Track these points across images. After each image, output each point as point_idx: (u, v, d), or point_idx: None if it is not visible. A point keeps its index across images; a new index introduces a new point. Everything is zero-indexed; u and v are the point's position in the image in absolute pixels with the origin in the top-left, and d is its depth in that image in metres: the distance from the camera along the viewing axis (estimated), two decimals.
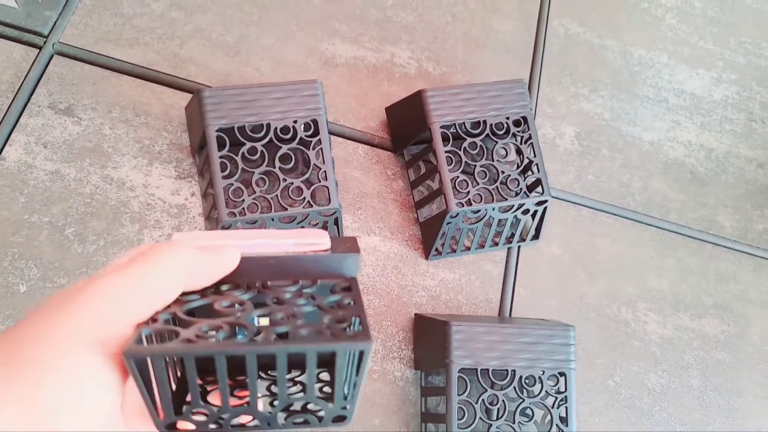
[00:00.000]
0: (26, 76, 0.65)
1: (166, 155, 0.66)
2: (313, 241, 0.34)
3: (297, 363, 0.35)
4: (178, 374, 0.32)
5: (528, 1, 0.83)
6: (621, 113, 0.81)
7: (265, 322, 0.29)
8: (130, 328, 0.26)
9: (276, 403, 0.30)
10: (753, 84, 0.86)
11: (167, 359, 0.28)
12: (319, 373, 0.33)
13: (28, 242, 0.61)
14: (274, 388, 0.33)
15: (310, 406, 0.29)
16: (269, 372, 0.35)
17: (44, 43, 0.67)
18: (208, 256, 0.30)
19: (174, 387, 0.30)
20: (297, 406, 0.29)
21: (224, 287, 0.32)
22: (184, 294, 0.30)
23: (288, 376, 0.35)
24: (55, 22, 0.68)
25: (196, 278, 0.30)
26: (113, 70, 0.68)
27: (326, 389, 0.32)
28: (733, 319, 0.75)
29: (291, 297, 0.31)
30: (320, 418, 0.29)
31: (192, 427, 0.27)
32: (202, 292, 0.31)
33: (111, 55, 0.68)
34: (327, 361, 0.33)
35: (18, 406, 0.22)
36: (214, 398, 0.30)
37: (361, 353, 0.27)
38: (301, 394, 0.28)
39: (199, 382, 0.33)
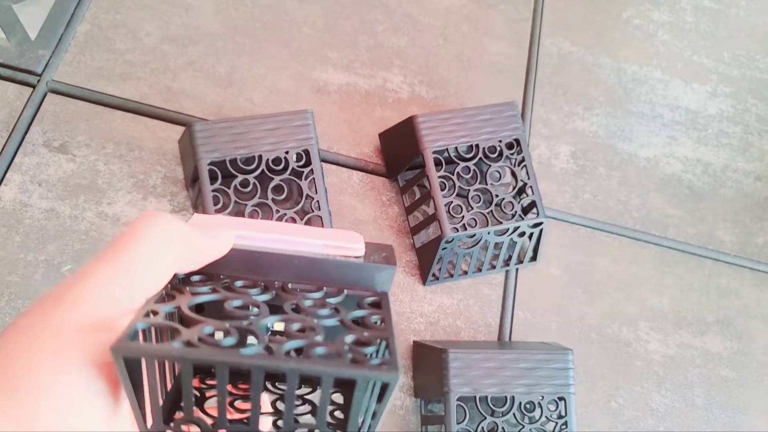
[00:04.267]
0: (20, 115, 0.66)
1: (160, 189, 0.66)
2: (345, 245, 0.31)
3: (308, 379, 0.31)
4: (176, 373, 0.29)
5: (519, 21, 0.83)
6: (616, 131, 0.80)
7: (279, 327, 0.27)
8: (125, 324, 0.24)
9: (279, 423, 0.28)
10: (748, 97, 0.86)
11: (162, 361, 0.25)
12: (331, 393, 0.30)
13: (24, 281, 0.61)
14: (279, 405, 0.30)
15: None
16: (276, 385, 0.32)
17: (38, 81, 0.68)
18: (203, 238, 0.28)
19: (169, 387, 0.28)
20: (302, 430, 0.26)
21: (239, 283, 0.29)
22: (193, 284, 0.28)
23: (297, 392, 0.31)
24: (48, 60, 0.69)
25: (188, 261, 0.28)
26: (106, 105, 0.68)
27: (338, 413, 0.29)
28: (736, 335, 0.74)
29: (312, 305, 0.28)
30: None
31: None
32: (214, 287, 0.28)
33: (104, 91, 0.69)
34: (343, 381, 0.30)
35: (11, 426, 0.21)
36: (212, 406, 0.28)
37: (384, 384, 0.24)
38: (309, 418, 0.26)
39: (198, 385, 0.30)
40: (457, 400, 0.58)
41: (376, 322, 0.28)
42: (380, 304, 0.29)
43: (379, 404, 0.25)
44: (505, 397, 0.59)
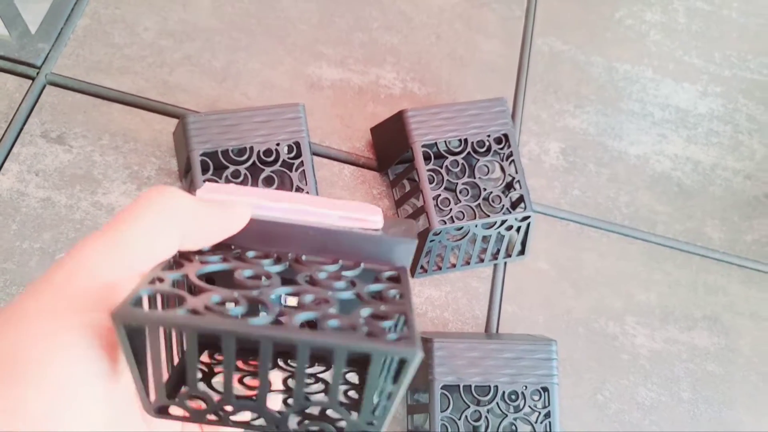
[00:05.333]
0: (19, 106, 0.68)
1: (154, 180, 0.68)
2: (363, 217, 0.29)
3: (322, 357, 0.30)
4: (184, 347, 0.27)
5: (512, 20, 0.84)
6: (606, 128, 0.81)
7: (292, 302, 0.25)
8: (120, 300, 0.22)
9: (290, 401, 0.26)
10: (739, 96, 0.87)
11: (167, 330, 0.23)
12: (345, 373, 0.28)
13: (19, 268, 0.62)
14: (291, 383, 0.29)
15: (329, 413, 0.24)
16: (288, 362, 0.30)
17: (37, 74, 0.69)
18: (210, 212, 0.26)
19: (176, 361, 0.26)
20: (314, 411, 0.25)
21: (251, 254, 0.27)
22: (202, 253, 0.26)
23: (310, 371, 0.30)
24: (48, 53, 0.70)
25: (194, 237, 0.25)
26: (104, 98, 0.70)
27: (352, 393, 0.28)
28: (723, 330, 0.75)
29: (327, 278, 0.26)
30: (340, 430, 0.24)
31: (186, 414, 0.23)
32: (225, 256, 0.26)
33: (102, 84, 0.70)
34: (358, 360, 0.28)
35: (3, 411, 0.19)
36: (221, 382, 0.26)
37: (402, 361, 0.22)
38: (322, 397, 0.25)
39: (208, 360, 0.29)
40: (442, 388, 0.59)
41: (394, 297, 0.26)
42: (399, 278, 0.27)
43: (395, 384, 0.23)
44: (489, 386, 0.60)
